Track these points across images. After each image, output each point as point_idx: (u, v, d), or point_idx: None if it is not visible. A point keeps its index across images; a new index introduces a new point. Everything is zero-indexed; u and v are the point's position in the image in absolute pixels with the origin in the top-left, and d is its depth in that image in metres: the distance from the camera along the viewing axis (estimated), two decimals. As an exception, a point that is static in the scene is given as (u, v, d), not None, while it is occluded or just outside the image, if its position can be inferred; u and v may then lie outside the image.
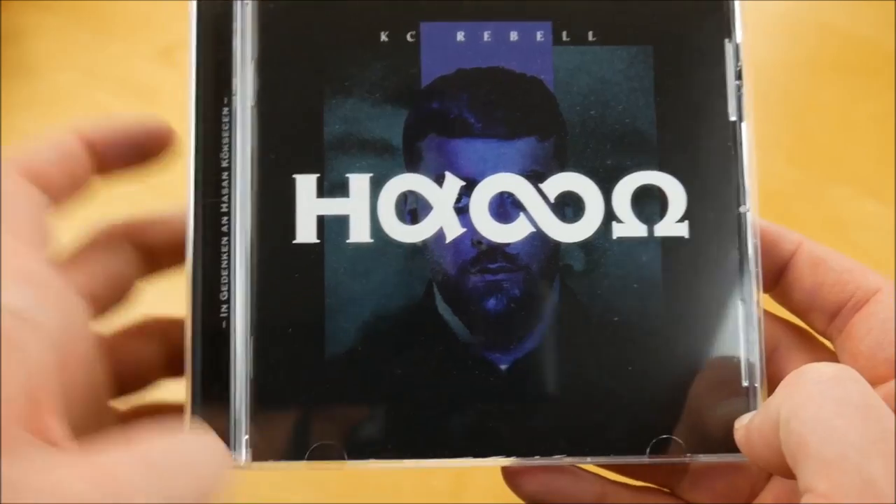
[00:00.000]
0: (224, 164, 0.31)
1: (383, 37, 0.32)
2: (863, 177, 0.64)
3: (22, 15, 0.65)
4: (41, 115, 0.62)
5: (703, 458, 0.32)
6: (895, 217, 0.62)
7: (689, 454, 0.31)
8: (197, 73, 0.32)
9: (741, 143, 0.32)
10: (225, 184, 0.31)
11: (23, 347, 0.24)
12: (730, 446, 0.31)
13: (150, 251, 0.33)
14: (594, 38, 0.32)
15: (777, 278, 0.33)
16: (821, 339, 0.33)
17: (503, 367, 0.30)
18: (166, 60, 0.62)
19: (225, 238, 0.31)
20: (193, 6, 0.32)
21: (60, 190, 0.30)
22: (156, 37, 0.66)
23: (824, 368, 0.26)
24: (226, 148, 0.31)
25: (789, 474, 0.25)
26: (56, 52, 0.64)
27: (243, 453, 0.30)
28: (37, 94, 0.63)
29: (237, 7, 0.32)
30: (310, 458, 0.30)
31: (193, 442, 0.26)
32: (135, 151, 0.32)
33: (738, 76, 0.32)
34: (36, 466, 0.22)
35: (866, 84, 0.68)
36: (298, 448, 0.31)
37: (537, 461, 0.31)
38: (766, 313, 0.33)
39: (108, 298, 0.32)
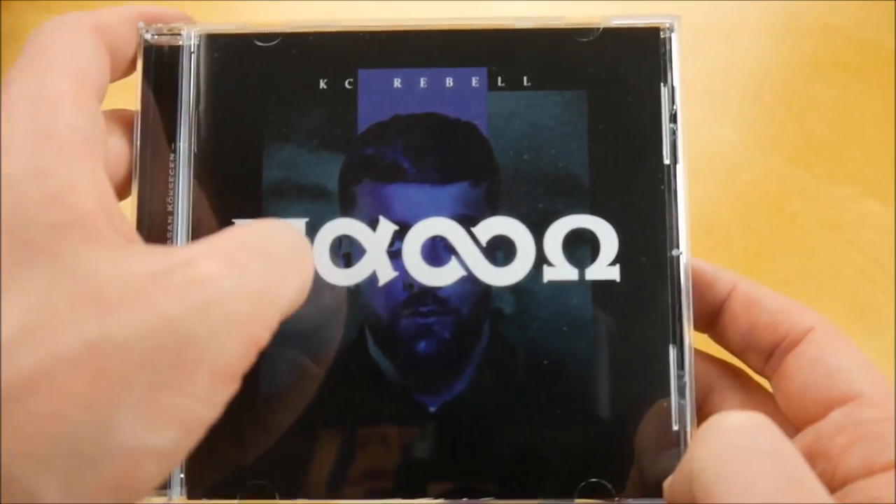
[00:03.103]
0: (170, 209, 0.30)
1: (322, 84, 0.34)
2: (863, 177, 0.64)
3: (22, 15, 0.68)
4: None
5: (632, 503, 0.32)
6: (895, 217, 0.60)
7: (618, 498, 0.32)
8: (144, 120, 0.34)
9: (675, 187, 0.33)
10: (170, 227, 0.30)
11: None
12: (660, 491, 0.31)
13: None
14: (529, 84, 0.34)
15: (713, 319, 0.34)
16: (758, 379, 0.34)
17: (433, 409, 0.31)
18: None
19: None
20: (140, 55, 0.34)
21: (122, 60, 0.33)
22: (155, 36, 0.65)
23: (733, 417, 0.27)
24: (171, 192, 0.30)
25: None
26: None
27: (178, 490, 0.31)
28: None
29: (183, 57, 0.34)
30: (242, 497, 0.33)
31: (272, 225, 0.27)
32: None
33: (673, 119, 0.32)
34: (129, 256, 0.24)
35: (866, 84, 0.68)
36: (232, 487, 0.33)
37: (465, 503, 0.33)
38: (702, 354, 0.34)
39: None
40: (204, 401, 0.24)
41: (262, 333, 0.25)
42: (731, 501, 0.24)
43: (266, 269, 0.25)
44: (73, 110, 0.27)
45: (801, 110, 0.68)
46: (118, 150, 0.33)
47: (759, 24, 0.72)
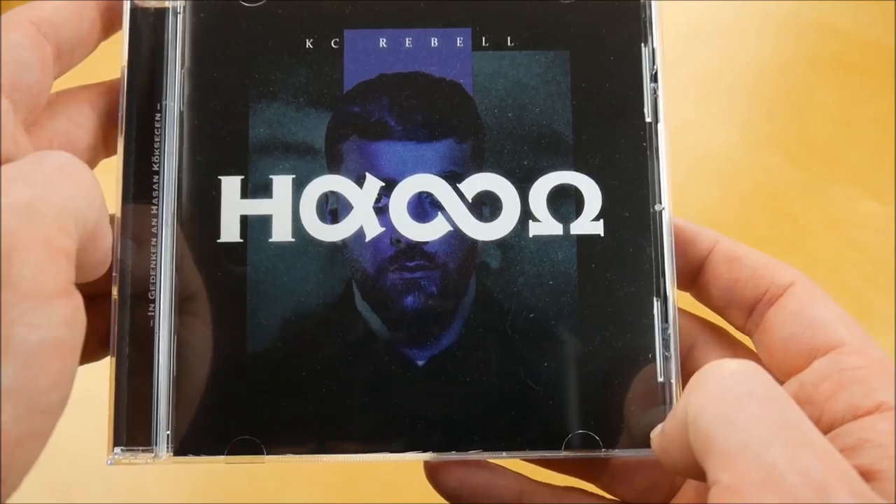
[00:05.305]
0: (155, 168, 0.33)
1: (308, 44, 0.37)
2: (863, 177, 0.67)
3: None
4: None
5: (619, 454, 0.35)
6: (895, 217, 0.62)
7: (604, 449, 0.35)
8: (129, 81, 0.36)
9: (657, 144, 0.36)
10: (156, 186, 0.33)
11: None
12: (646, 442, 0.34)
13: (111, 118, 0.36)
14: (512, 44, 0.37)
15: (695, 276, 0.37)
16: (739, 335, 0.37)
17: (420, 362, 0.34)
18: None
19: (154, 239, 0.33)
20: (126, 16, 0.36)
21: (72, 49, 0.34)
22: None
23: (727, 364, 0.29)
24: (157, 152, 0.32)
25: (705, 478, 0.28)
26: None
27: (164, 447, 0.34)
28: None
29: (169, 17, 0.37)
30: (229, 453, 0.35)
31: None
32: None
33: (654, 79, 0.35)
34: None
35: (866, 84, 0.70)
36: (218, 443, 0.35)
37: (453, 456, 0.35)
38: (684, 312, 0.37)
39: None
40: (25, 323, 0.25)
41: (64, 241, 0.26)
42: (730, 443, 0.26)
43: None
44: None
45: (801, 110, 0.71)
46: (77, 125, 0.35)
47: (759, 24, 0.74)
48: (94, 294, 0.34)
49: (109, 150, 0.37)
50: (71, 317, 0.26)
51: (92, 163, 0.36)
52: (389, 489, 0.55)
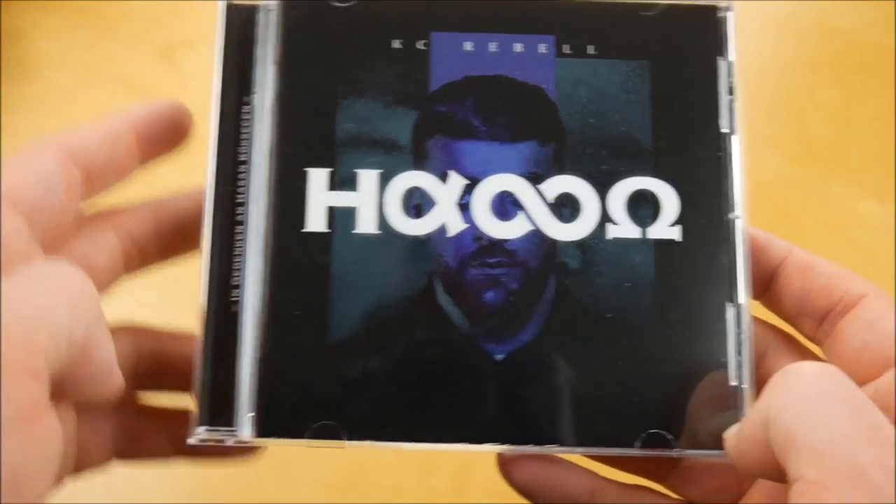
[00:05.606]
0: (242, 158, 0.36)
1: (396, 44, 0.38)
2: (863, 177, 0.69)
3: (22, 15, 0.72)
4: (41, 114, 0.67)
5: (691, 454, 0.36)
6: (895, 217, 0.64)
7: (677, 449, 0.36)
8: (223, 73, 0.37)
9: (732, 154, 0.37)
10: (242, 175, 0.36)
11: None
12: (716, 444, 0.35)
13: (135, 241, 0.37)
14: (594, 52, 0.38)
15: (767, 284, 0.38)
16: (809, 344, 0.38)
17: (499, 357, 0.35)
18: (166, 60, 0.67)
19: (239, 226, 0.36)
20: (222, 12, 0.38)
21: (103, 174, 0.35)
22: (156, 36, 0.71)
23: (808, 366, 0.30)
24: (245, 142, 0.36)
25: (781, 478, 0.29)
26: (56, 52, 0.70)
27: (248, 429, 0.35)
28: (37, 94, 0.68)
29: (261, 13, 0.38)
30: (310, 437, 0.36)
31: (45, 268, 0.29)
32: (169, 137, 0.37)
33: (731, 91, 0.37)
34: None
35: (866, 84, 0.73)
36: (300, 426, 0.36)
37: (529, 449, 0.36)
38: (756, 319, 0.38)
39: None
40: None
41: (30, 361, 0.25)
42: (814, 440, 0.27)
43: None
44: None
45: (801, 110, 0.72)
46: (97, 248, 0.36)
47: (759, 24, 0.76)
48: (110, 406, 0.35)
49: (130, 269, 0.37)
50: (33, 443, 0.25)
51: (110, 282, 0.36)
52: (389, 490, 0.56)
